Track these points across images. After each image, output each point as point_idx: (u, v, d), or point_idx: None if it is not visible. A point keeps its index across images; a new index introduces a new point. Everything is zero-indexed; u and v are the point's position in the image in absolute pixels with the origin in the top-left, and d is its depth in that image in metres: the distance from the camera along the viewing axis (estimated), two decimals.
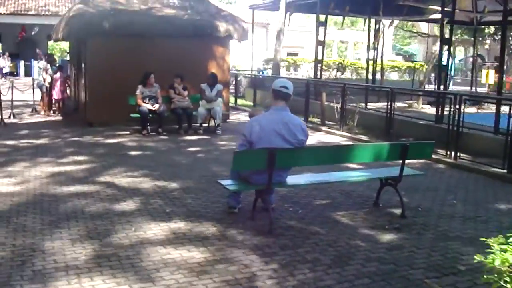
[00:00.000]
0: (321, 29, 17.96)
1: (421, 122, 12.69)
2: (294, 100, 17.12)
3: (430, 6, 17.26)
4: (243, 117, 16.62)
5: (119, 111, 12.61)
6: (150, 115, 12.20)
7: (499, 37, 40.71)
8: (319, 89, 15.76)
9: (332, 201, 6.71)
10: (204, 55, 14.23)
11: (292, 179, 5.71)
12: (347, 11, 17.58)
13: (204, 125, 12.91)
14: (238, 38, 14.69)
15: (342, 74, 27.18)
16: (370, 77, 19.42)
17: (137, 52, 13.20)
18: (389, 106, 11.36)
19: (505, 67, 37.06)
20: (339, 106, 14.29)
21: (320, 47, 17.91)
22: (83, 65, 14.02)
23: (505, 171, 8.53)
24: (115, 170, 8.38)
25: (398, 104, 17.83)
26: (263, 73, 23.81)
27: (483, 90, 29.61)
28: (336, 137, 12.58)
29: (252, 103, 19.78)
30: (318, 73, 18.16)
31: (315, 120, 15.04)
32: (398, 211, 6.36)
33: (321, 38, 17.98)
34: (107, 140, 11.33)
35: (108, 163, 8.91)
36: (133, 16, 13.26)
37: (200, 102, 12.90)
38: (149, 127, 12.17)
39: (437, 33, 35.07)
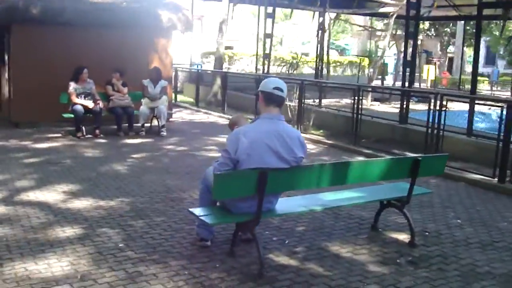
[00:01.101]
0: (269, 21, 16.81)
1: (383, 122, 11.78)
2: (241, 98, 16.13)
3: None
4: (185, 114, 15.29)
5: (49, 110, 10.99)
6: (86, 115, 10.65)
7: (433, 32, 41.26)
8: None
9: (320, 225, 5.54)
10: (145, 47, 12.73)
11: (282, 205, 4.48)
12: (296, 3, 16.49)
13: (146, 125, 11.49)
14: (181, 29, 13.27)
15: (295, 70, 26.12)
16: (324, 72, 18.45)
17: (69, 43, 11.56)
18: (355, 105, 10.30)
19: (438, 62, 37.26)
20: (292, 104, 13.25)
21: (268, 40, 16.74)
22: (6, 57, 12.21)
23: (495, 180, 7.65)
24: (48, 184, 6.90)
25: (345, 101, 17.12)
26: (200, 67, 22.47)
27: (424, 85, 29.59)
28: None
29: (193, 99, 18.42)
30: (266, 67, 16.98)
31: None
32: (403, 236, 5.29)
33: (268, 30, 16.83)
34: (36, 145, 9.71)
35: (39, 175, 7.39)
36: (64, 2, 11.61)
37: (142, 100, 11.47)
38: (84, 129, 10.62)
39: (377, 26, 34.84)
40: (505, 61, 43.53)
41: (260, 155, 4.03)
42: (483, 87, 33.40)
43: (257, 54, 21.37)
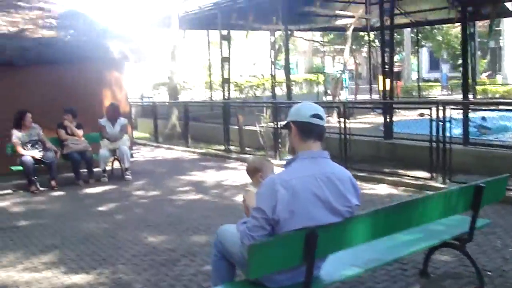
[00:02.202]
0: (225, 43, 15.80)
1: (367, 140, 10.86)
2: (204, 128, 14.96)
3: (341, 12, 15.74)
4: (146, 152, 14.02)
5: None
6: (37, 165, 9.28)
7: (378, 43, 41.27)
8: (234, 112, 13.52)
9: (356, 279, 4.47)
10: (97, 83, 11.42)
11: (328, 268, 3.36)
12: (251, 22, 15.54)
13: (107, 169, 10.21)
14: (134, 59, 12.06)
15: (262, 93, 25.06)
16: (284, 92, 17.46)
17: (10, 84, 10.18)
18: (342, 125, 9.31)
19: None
20: (263, 130, 12.23)
21: (226, 64, 15.70)
22: None
23: None
24: (2, 257, 5.58)
25: None
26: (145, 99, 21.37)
27: (376, 96, 29.14)
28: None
29: (149, 135, 17.16)
30: (226, 93, 15.92)
31: (233, 148, 12.82)
32: (462, 282, 4.27)
33: (225, 54, 15.81)
34: None
35: None
36: (4, 39, 10.27)
37: (100, 142, 10.19)
38: (37, 182, 9.24)
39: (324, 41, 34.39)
40: (448, 65, 44.01)
41: (307, 210, 2.93)
42: (437, 92, 33.39)
43: (210, 81, 20.43)
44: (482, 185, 3.85)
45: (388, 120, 10.56)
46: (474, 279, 4.31)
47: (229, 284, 3.41)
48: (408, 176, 8.35)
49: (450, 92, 34.55)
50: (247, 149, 12.53)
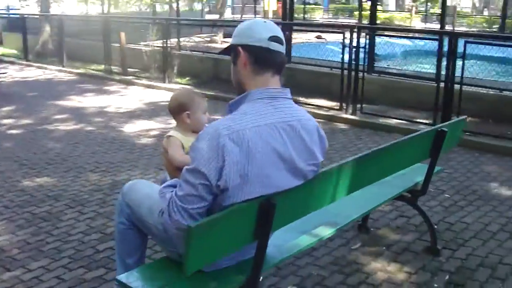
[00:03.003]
0: None
1: None
2: (82, 46, 13.39)
3: None
4: (14, 72, 12.35)
5: None
6: None
7: None
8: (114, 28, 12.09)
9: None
10: None
11: (279, 241, 2.57)
12: None
13: None
14: None
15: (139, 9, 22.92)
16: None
17: None
18: None
19: None
20: (148, 49, 11.06)
21: None
22: None
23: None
24: None
25: (195, 39, 15.21)
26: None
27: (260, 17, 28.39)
28: (161, 93, 9.43)
29: (18, 52, 15.20)
30: (106, 7, 14.30)
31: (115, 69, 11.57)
32: (409, 238, 3.72)
33: None
34: None
35: None
36: None
37: None
38: None
39: None
40: None
41: (265, 173, 2.08)
42: (319, 15, 33.24)
43: None
44: (445, 129, 3.20)
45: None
46: (420, 233, 3.79)
47: (146, 268, 2.53)
48: (311, 105, 7.73)
49: (331, 16, 34.65)
50: (130, 69, 11.34)
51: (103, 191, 4.66)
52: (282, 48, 2.21)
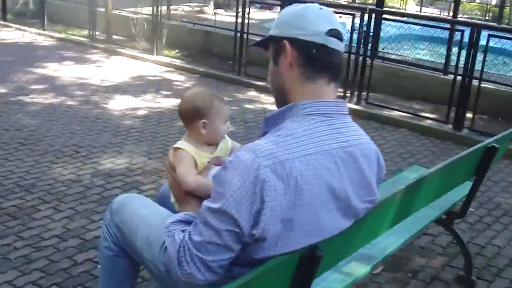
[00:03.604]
0: None
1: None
2: (66, 7, 12.59)
3: None
4: None
5: None
6: None
7: None
8: None
9: None
10: None
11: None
12: None
13: None
14: None
15: None
16: None
17: None
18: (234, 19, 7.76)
19: None
20: (138, 16, 10.35)
21: None
22: None
23: (449, 126, 5.94)
24: None
25: (184, 8, 14.45)
26: None
27: None
28: (149, 66, 8.77)
29: None
30: None
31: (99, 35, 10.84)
32: (436, 262, 3.24)
33: None
34: None
35: None
36: None
37: None
38: None
39: None
40: None
41: (316, 217, 1.53)
42: None
43: None
44: (495, 145, 2.69)
45: None
46: (448, 257, 3.30)
47: None
48: None
49: None
50: (115, 37, 10.63)
51: (83, 182, 4.09)
52: (342, 47, 1.64)
